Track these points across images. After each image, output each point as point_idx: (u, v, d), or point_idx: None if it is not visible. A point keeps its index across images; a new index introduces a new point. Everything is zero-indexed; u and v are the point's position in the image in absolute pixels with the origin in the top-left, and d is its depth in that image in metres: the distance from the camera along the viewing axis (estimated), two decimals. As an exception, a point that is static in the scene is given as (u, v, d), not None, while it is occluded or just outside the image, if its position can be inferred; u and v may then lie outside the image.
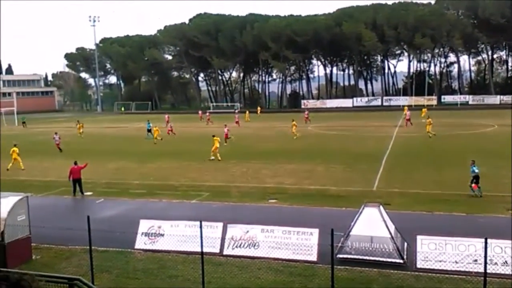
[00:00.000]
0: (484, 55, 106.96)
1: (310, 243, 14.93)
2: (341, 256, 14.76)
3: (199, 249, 13.10)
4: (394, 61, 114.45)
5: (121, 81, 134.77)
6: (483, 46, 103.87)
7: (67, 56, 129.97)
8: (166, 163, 34.92)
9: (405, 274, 13.87)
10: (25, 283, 5.19)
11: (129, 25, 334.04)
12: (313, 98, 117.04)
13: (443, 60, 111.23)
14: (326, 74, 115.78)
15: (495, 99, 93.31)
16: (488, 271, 11.52)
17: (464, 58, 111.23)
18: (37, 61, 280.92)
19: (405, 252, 14.93)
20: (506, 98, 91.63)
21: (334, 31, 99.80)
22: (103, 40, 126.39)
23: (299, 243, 15.01)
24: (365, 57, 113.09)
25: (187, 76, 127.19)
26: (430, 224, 17.97)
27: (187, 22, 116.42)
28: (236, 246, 15.50)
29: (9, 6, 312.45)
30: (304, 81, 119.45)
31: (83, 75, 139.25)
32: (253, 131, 57.18)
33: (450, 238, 14.07)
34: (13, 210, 15.21)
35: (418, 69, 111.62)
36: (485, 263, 11.33)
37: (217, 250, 15.49)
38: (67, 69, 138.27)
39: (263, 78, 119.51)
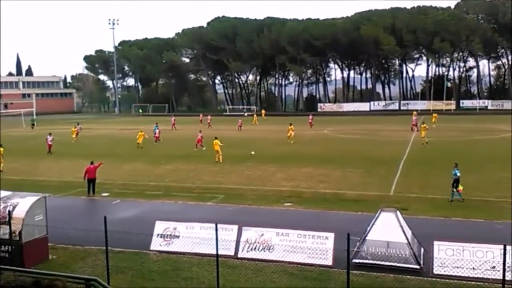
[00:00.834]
0: (504, 60, 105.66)
1: (325, 247, 14.84)
2: (356, 261, 14.63)
3: (214, 251, 13.07)
4: (412, 65, 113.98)
5: (139, 84, 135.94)
6: (503, 50, 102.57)
7: (86, 58, 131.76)
8: (182, 164, 35.07)
9: (421, 280, 13.72)
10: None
11: (147, 28, 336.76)
12: (329, 102, 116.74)
13: (462, 64, 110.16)
14: (343, 77, 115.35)
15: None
16: (506, 278, 11.34)
17: (483, 63, 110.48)
18: (57, 63, 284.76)
19: (422, 258, 14.75)
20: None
21: (352, 35, 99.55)
22: (122, 43, 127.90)
23: (314, 247, 14.93)
24: (383, 61, 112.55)
25: (204, 79, 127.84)
26: (447, 230, 17.76)
27: (205, 25, 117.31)
28: (251, 249, 15.47)
29: (30, 8, 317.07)
30: (320, 85, 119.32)
31: (102, 77, 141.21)
32: (266, 134, 56.96)
33: (468, 244, 13.88)
34: (31, 210, 15.38)
35: (437, 73, 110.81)
36: (504, 270, 11.17)
37: (231, 253, 15.47)
38: (86, 71, 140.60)
39: (280, 81, 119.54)
